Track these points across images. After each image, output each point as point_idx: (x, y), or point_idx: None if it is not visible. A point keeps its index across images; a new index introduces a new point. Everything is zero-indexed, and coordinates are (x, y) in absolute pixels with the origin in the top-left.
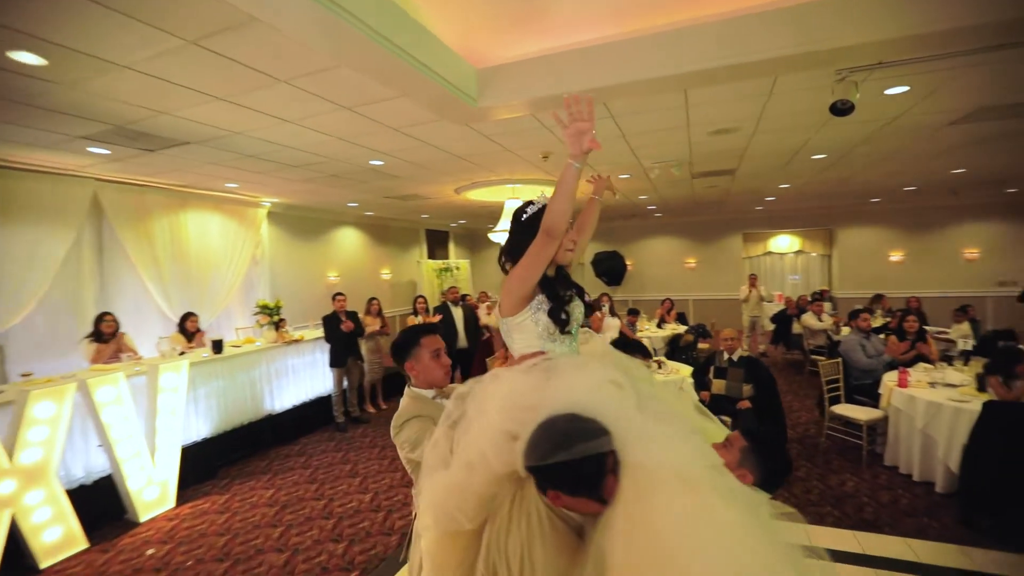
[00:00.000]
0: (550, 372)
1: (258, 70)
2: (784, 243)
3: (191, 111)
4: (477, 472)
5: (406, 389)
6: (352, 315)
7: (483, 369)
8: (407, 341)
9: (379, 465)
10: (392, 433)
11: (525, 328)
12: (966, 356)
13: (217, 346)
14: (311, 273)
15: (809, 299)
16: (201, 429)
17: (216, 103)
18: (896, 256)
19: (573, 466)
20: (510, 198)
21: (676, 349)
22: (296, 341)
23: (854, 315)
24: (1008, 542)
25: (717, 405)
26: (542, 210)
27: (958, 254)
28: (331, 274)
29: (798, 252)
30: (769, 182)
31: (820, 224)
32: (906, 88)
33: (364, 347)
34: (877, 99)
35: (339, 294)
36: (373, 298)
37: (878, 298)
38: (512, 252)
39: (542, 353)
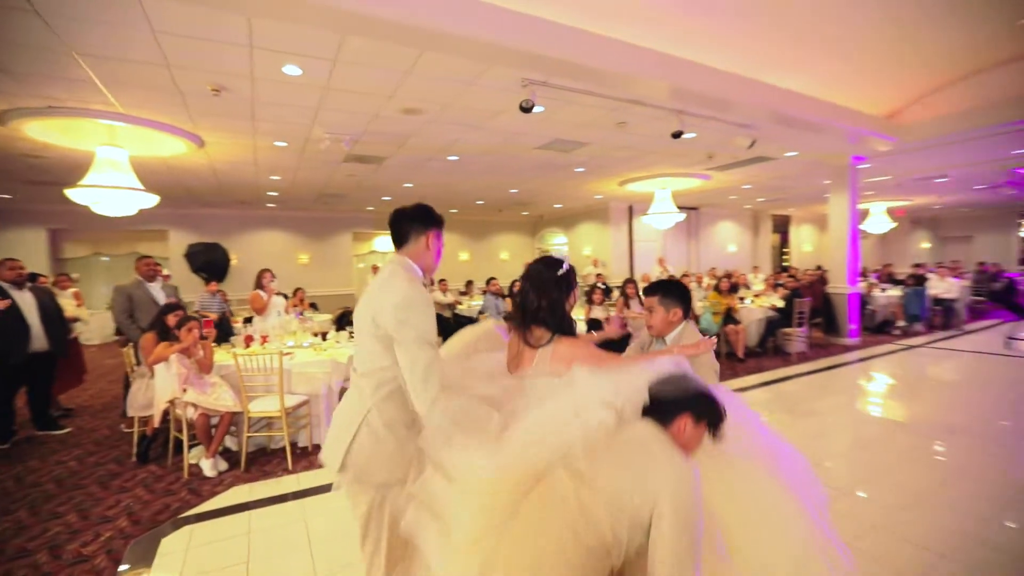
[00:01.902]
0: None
1: None
2: (386, 244)
3: None
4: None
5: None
6: None
7: (73, 381)
8: (433, 218)
9: None
10: (400, 311)
11: None
12: None
13: None
14: None
15: (432, 282)
16: None
17: None
18: (465, 256)
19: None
20: (106, 144)
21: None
22: None
23: (488, 283)
24: None
25: None
26: (571, 269)
27: (498, 256)
28: None
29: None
30: (399, 179)
31: None
32: (542, 109)
33: None
34: (518, 113)
35: None
36: None
37: (468, 283)
38: (554, 311)
39: None
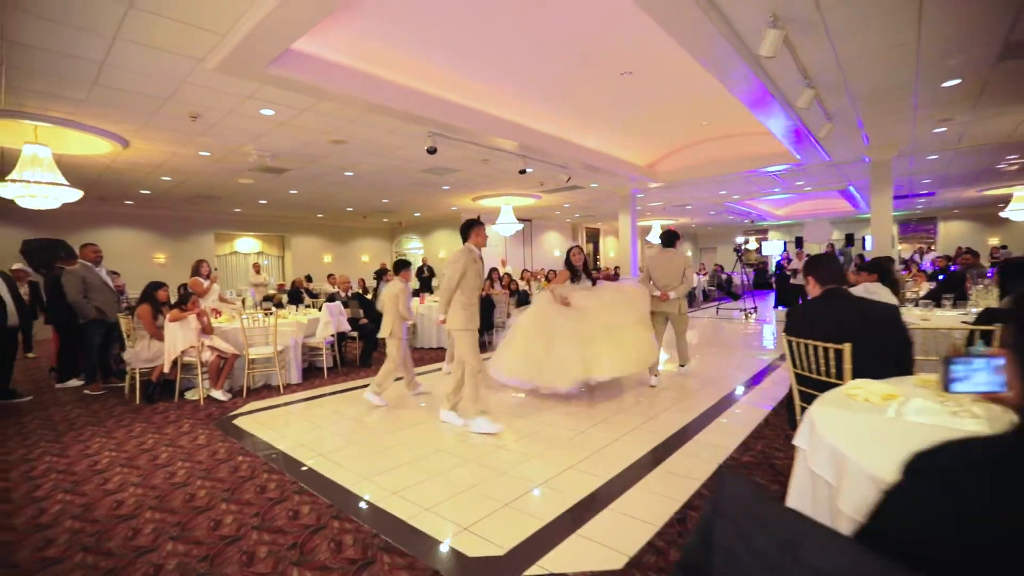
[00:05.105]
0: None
1: None
2: (247, 245)
3: None
4: None
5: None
6: None
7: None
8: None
9: None
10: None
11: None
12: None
13: None
14: None
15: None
16: None
17: None
18: (328, 258)
19: None
20: (31, 142)
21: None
22: None
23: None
24: None
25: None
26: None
27: (359, 258)
28: None
29: (259, 253)
30: (289, 187)
31: (275, 231)
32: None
33: None
34: (417, 148)
35: None
36: None
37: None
38: (588, 271)
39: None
